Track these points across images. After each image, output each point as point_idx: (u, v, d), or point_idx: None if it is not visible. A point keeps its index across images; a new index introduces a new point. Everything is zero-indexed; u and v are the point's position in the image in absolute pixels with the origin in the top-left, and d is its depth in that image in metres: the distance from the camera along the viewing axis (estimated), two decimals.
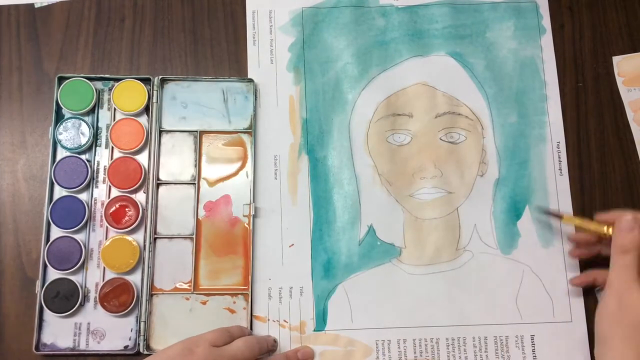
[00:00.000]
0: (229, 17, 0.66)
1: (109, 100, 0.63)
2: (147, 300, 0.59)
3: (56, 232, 0.60)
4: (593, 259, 0.59)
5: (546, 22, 0.67)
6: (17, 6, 0.65)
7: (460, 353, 0.60)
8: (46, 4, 0.66)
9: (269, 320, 0.60)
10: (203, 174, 0.62)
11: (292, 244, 0.61)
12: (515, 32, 0.66)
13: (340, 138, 0.64)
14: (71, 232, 0.60)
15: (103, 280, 0.60)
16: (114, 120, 0.63)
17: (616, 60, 0.66)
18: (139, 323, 0.59)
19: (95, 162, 0.62)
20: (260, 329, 0.60)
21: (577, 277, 0.60)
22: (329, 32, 0.66)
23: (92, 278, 0.60)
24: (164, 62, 0.65)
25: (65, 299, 0.59)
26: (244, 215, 0.61)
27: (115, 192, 0.61)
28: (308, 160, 0.63)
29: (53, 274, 0.59)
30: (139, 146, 0.62)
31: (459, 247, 0.62)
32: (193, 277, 0.60)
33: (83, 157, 0.61)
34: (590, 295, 0.60)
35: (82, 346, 0.59)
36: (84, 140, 0.61)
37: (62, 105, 0.62)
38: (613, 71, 0.66)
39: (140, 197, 0.61)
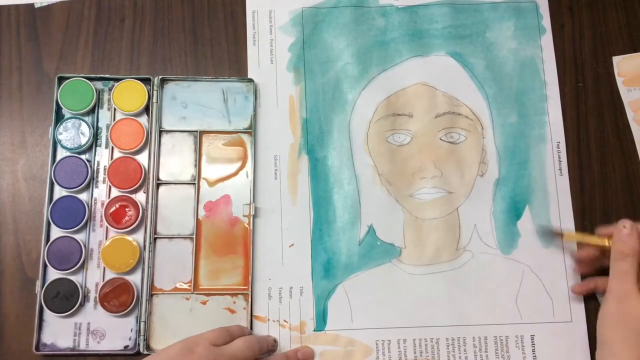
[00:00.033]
0: (229, 17, 0.66)
1: (109, 100, 0.63)
2: (147, 300, 0.59)
3: (56, 232, 0.60)
4: (597, 272, 0.59)
5: (546, 22, 0.67)
6: (17, 6, 0.66)
7: (460, 353, 0.60)
8: (46, 4, 0.66)
9: (269, 320, 0.60)
10: (203, 174, 0.62)
11: (292, 244, 0.61)
12: (515, 32, 0.66)
13: (340, 138, 0.64)
14: (71, 232, 0.60)
15: (103, 280, 0.60)
16: (114, 120, 0.63)
17: (616, 60, 0.66)
18: (139, 323, 0.59)
19: (95, 162, 0.62)
20: (260, 329, 0.60)
21: (578, 285, 0.60)
22: (329, 32, 0.66)
23: (92, 278, 0.60)
24: (164, 62, 0.65)
25: (65, 299, 0.59)
26: (244, 215, 0.61)
27: (115, 192, 0.61)
28: (308, 160, 0.63)
29: (53, 274, 0.59)
30: (139, 146, 0.62)
31: (459, 247, 0.62)
32: (193, 277, 0.60)
33: (83, 157, 0.61)
34: (590, 295, 0.60)
35: (82, 346, 0.59)
36: (84, 140, 0.61)
37: (62, 105, 0.62)
38: (613, 71, 0.66)
39: (140, 197, 0.61)
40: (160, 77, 0.63)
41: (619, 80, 0.66)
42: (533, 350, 0.60)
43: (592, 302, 0.60)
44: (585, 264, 0.60)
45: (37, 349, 0.58)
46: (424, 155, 0.63)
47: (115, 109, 0.63)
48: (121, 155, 0.62)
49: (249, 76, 0.64)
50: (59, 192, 0.61)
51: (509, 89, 0.65)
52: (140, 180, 0.61)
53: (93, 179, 0.61)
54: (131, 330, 0.59)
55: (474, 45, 0.66)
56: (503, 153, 0.64)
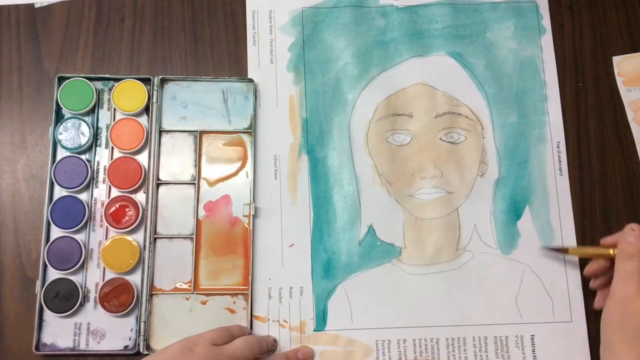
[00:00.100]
0: (229, 17, 0.66)
1: (109, 100, 0.63)
2: (147, 300, 0.59)
3: (56, 232, 0.60)
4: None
5: (546, 22, 0.67)
6: (17, 6, 0.66)
7: (460, 353, 0.60)
8: (46, 4, 0.66)
9: (269, 320, 0.60)
10: (203, 174, 0.62)
11: (292, 244, 0.61)
12: (515, 32, 0.66)
13: (340, 138, 0.64)
14: (71, 232, 0.60)
15: (103, 280, 0.60)
16: (114, 120, 0.63)
17: (616, 60, 0.66)
18: (139, 323, 0.59)
19: (95, 162, 0.62)
20: (260, 329, 0.60)
21: (597, 302, 0.58)
22: (329, 32, 0.66)
23: (92, 278, 0.60)
24: (164, 62, 0.65)
25: (65, 299, 0.59)
26: (244, 215, 0.61)
27: (115, 192, 0.61)
28: (308, 160, 0.63)
29: (53, 274, 0.59)
30: (139, 146, 0.62)
31: (459, 247, 0.62)
32: (193, 277, 0.60)
33: (83, 157, 0.61)
34: (590, 295, 0.60)
35: (82, 346, 0.59)
36: (84, 140, 0.61)
37: (62, 105, 0.62)
38: (613, 71, 0.66)
39: (140, 197, 0.61)
40: (160, 77, 0.63)
41: (619, 80, 0.66)
42: (533, 350, 0.60)
43: (592, 302, 0.60)
44: (596, 277, 0.59)
45: (37, 349, 0.58)
46: (424, 155, 0.63)
47: (115, 109, 0.63)
48: (121, 155, 0.62)
49: (249, 76, 0.64)
50: (59, 192, 0.61)
51: (509, 89, 0.65)
52: (140, 180, 0.61)
53: (93, 179, 0.61)
54: (131, 330, 0.59)
55: (474, 45, 0.66)
56: (503, 153, 0.64)
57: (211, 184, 0.62)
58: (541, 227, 0.62)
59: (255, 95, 0.64)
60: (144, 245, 0.60)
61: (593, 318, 0.60)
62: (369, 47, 0.66)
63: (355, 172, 0.63)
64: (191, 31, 0.66)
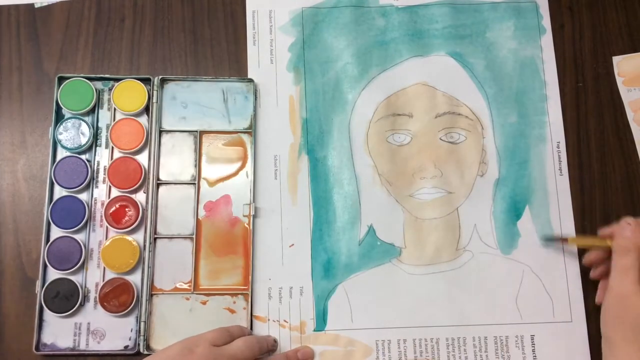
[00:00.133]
0: (229, 17, 0.66)
1: (109, 100, 0.63)
2: (147, 300, 0.59)
3: (56, 232, 0.60)
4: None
5: (546, 22, 0.67)
6: (17, 6, 0.66)
7: (460, 353, 0.60)
8: (46, 4, 0.66)
9: (269, 320, 0.60)
10: (203, 174, 0.62)
11: (292, 244, 0.61)
12: (515, 32, 0.66)
13: (340, 138, 0.64)
14: (71, 232, 0.60)
15: (103, 280, 0.60)
16: (114, 120, 0.63)
17: (616, 60, 0.66)
18: (139, 323, 0.59)
19: (95, 162, 0.62)
20: (260, 329, 0.60)
21: (598, 297, 0.59)
22: (329, 32, 0.66)
23: (92, 278, 0.60)
24: (164, 62, 0.65)
25: (65, 299, 0.59)
26: (244, 215, 0.61)
27: (115, 192, 0.61)
28: (308, 160, 0.63)
29: (53, 274, 0.59)
30: (139, 146, 0.62)
31: (459, 247, 0.62)
32: (193, 277, 0.60)
33: (83, 157, 0.61)
34: (591, 295, 0.60)
35: (82, 346, 0.59)
36: (84, 140, 0.61)
37: (62, 105, 0.62)
38: (613, 71, 0.66)
39: (140, 197, 0.61)
40: (160, 77, 0.63)
41: (619, 80, 0.66)
42: (533, 350, 0.60)
43: (592, 302, 0.60)
44: (595, 267, 0.59)
45: (37, 349, 0.58)
46: (424, 155, 0.63)
47: (115, 109, 0.63)
48: (121, 155, 0.62)
49: (249, 76, 0.64)
50: (59, 192, 0.61)
51: (509, 89, 0.65)
52: (140, 180, 0.61)
53: (93, 179, 0.61)
54: (131, 330, 0.59)
55: (474, 45, 0.66)
56: (503, 153, 0.64)
57: (211, 184, 0.62)
58: (541, 227, 0.62)
59: (255, 95, 0.64)
60: (144, 245, 0.60)
61: (593, 318, 0.60)
62: (369, 47, 0.66)
63: (355, 172, 0.63)
64: (191, 31, 0.66)
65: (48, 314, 0.59)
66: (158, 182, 0.62)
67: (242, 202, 0.62)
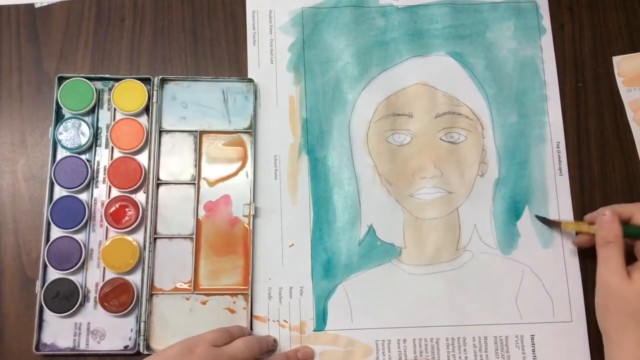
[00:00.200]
0: (229, 17, 0.66)
1: (109, 100, 0.63)
2: (147, 300, 0.59)
3: (56, 232, 0.60)
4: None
5: (546, 22, 0.67)
6: (17, 6, 0.66)
7: (460, 353, 0.60)
8: (46, 4, 0.66)
9: (269, 320, 0.60)
10: (203, 174, 0.62)
11: (292, 244, 0.61)
12: (515, 32, 0.66)
13: (340, 138, 0.64)
14: (71, 232, 0.60)
15: (103, 280, 0.60)
16: (114, 120, 0.63)
17: (616, 60, 0.66)
18: (139, 323, 0.59)
19: (95, 162, 0.62)
20: (260, 329, 0.60)
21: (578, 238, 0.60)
22: (329, 32, 0.66)
23: (92, 278, 0.60)
24: (164, 62, 0.65)
25: (65, 299, 0.59)
26: (244, 215, 0.61)
27: (115, 192, 0.61)
28: (308, 160, 0.63)
29: (53, 274, 0.59)
30: (139, 146, 0.62)
31: (459, 247, 0.62)
32: (193, 277, 0.60)
33: (83, 157, 0.61)
34: (591, 295, 0.60)
35: (82, 346, 0.59)
36: (84, 140, 0.61)
37: (62, 105, 0.62)
38: (613, 71, 0.66)
39: (140, 197, 0.61)
40: (160, 77, 0.63)
41: (619, 80, 0.66)
42: (533, 350, 0.60)
43: (592, 302, 0.60)
44: (585, 248, 0.60)
45: (37, 349, 0.58)
46: (424, 155, 0.63)
47: (115, 109, 0.63)
48: (121, 155, 0.62)
49: (249, 76, 0.64)
50: (59, 192, 0.61)
51: (509, 89, 0.65)
52: (140, 180, 0.61)
53: (93, 179, 0.61)
54: (131, 330, 0.59)
55: (474, 45, 0.66)
56: (503, 153, 0.64)
57: (211, 184, 0.62)
58: (541, 227, 0.62)
59: (255, 95, 0.64)
60: (144, 245, 0.60)
61: (593, 318, 0.59)
62: (369, 47, 0.66)
63: (355, 172, 0.63)
64: (191, 31, 0.66)
65: (48, 314, 0.59)
66: (158, 182, 0.62)
67: (242, 202, 0.62)
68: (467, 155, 0.63)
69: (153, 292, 0.60)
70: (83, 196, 0.61)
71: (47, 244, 0.59)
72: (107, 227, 0.60)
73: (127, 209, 0.61)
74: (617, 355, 0.52)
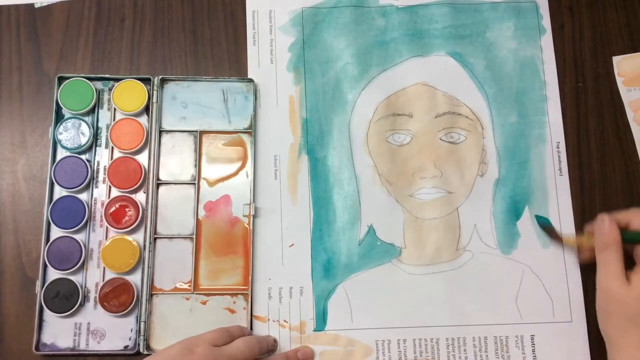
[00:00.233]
0: (229, 17, 0.66)
1: (109, 100, 0.63)
2: (147, 300, 0.59)
3: (56, 232, 0.60)
4: None
5: (546, 22, 0.67)
6: (17, 6, 0.66)
7: (460, 353, 0.60)
8: (46, 4, 0.66)
9: (269, 320, 0.60)
10: (203, 174, 0.62)
11: (292, 244, 0.61)
12: (515, 32, 0.66)
13: (340, 138, 0.64)
14: (71, 232, 0.60)
15: (103, 280, 0.60)
16: (114, 120, 0.63)
17: (616, 60, 0.66)
18: (139, 323, 0.59)
19: (95, 162, 0.62)
20: (260, 329, 0.60)
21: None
22: (329, 32, 0.66)
23: (92, 278, 0.60)
24: (164, 62, 0.65)
25: (65, 299, 0.59)
26: (244, 215, 0.61)
27: (115, 192, 0.61)
28: (308, 160, 0.63)
29: (53, 274, 0.59)
30: (139, 146, 0.62)
31: (459, 247, 0.62)
32: (193, 277, 0.60)
33: (83, 157, 0.61)
34: (591, 295, 0.60)
35: (82, 346, 0.59)
36: (84, 140, 0.61)
37: (62, 105, 0.62)
38: (613, 71, 0.66)
39: (140, 197, 0.61)
40: (160, 77, 0.63)
41: (619, 80, 0.66)
42: (533, 350, 0.60)
43: (592, 302, 0.60)
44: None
45: (37, 349, 0.58)
46: (424, 155, 0.63)
47: (115, 109, 0.63)
48: (121, 155, 0.62)
49: (249, 76, 0.64)
50: (59, 192, 0.61)
51: (509, 89, 0.65)
52: (140, 180, 0.61)
53: (93, 179, 0.61)
54: (131, 330, 0.59)
55: (474, 45, 0.66)
56: (503, 153, 0.64)
57: (211, 184, 0.62)
58: (543, 226, 0.62)
59: (255, 95, 0.64)
60: (144, 245, 0.60)
61: (593, 318, 0.59)
62: (369, 47, 0.66)
63: (355, 172, 0.63)
64: (191, 31, 0.66)
65: (48, 314, 0.59)
66: (158, 182, 0.62)
67: (242, 202, 0.62)
68: (467, 155, 0.63)
69: (153, 292, 0.60)
70: (83, 196, 0.61)
71: (47, 244, 0.59)
72: (107, 227, 0.60)
73: (127, 209, 0.61)
74: (620, 359, 0.52)
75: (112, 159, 0.62)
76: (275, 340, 0.59)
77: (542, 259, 0.61)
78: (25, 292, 0.60)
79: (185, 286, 0.60)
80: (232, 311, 0.60)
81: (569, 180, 0.63)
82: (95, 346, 0.59)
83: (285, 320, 0.60)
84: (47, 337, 0.59)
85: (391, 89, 0.65)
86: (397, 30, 0.66)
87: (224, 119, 0.63)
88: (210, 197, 0.62)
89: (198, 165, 0.62)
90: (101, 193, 0.61)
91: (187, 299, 0.60)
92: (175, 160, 0.62)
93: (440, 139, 0.64)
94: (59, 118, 0.62)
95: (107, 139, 0.62)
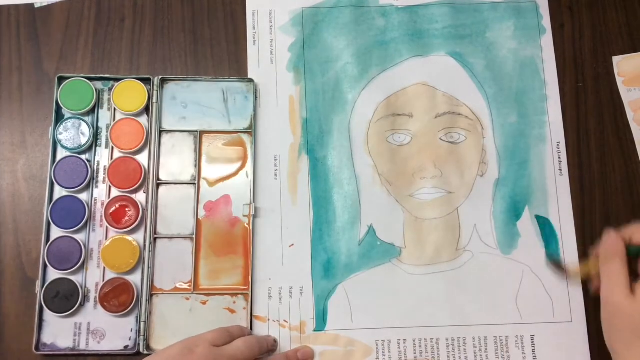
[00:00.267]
0: (229, 17, 0.66)
1: (109, 100, 0.63)
2: (147, 300, 0.59)
3: (56, 232, 0.60)
4: None
5: (546, 22, 0.67)
6: (17, 6, 0.65)
7: (460, 353, 0.60)
8: (46, 4, 0.66)
9: (269, 320, 0.60)
10: (203, 174, 0.62)
11: (292, 244, 0.61)
12: (515, 32, 0.66)
13: (340, 138, 0.64)
14: (71, 232, 0.60)
15: (103, 280, 0.60)
16: (114, 120, 0.63)
17: (616, 60, 0.66)
18: (139, 323, 0.59)
19: (95, 162, 0.62)
20: (260, 329, 0.60)
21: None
22: (329, 32, 0.66)
23: (92, 278, 0.60)
24: (164, 62, 0.65)
25: (65, 299, 0.59)
26: (244, 215, 0.61)
27: (115, 192, 0.61)
28: (308, 160, 0.63)
29: (53, 274, 0.59)
30: (139, 146, 0.62)
31: (459, 247, 0.62)
32: (193, 277, 0.60)
33: (83, 157, 0.61)
34: (591, 295, 0.60)
35: (82, 346, 0.59)
36: (84, 140, 0.61)
37: (62, 105, 0.62)
38: (613, 71, 0.66)
39: (140, 197, 0.61)
40: (160, 77, 0.63)
41: (619, 80, 0.66)
42: (533, 350, 0.60)
43: (592, 302, 0.60)
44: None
45: (37, 349, 0.58)
46: (424, 155, 0.63)
47: (115, 109, 0.63)
48: (121, 155, 0.62)
49: (249, 76, 0.64)
50: (59, 192, 0.61)
51: (509, 89, 0.65)
52: (140, 180, 0.61)
53: (93, 179, 0.61)
54: (131, 330, 0.59)
55: (474, 45, 0.66)
56: (503, 153, 0.64)
57: (211, 184, 0.62)
58: (541, 227, 0.62)
59: (255, 95, 0.64)
60: (144, 245, 0.60)
61: (593, 318, 0.60)
62: (369, 47, 0.66)
63: (355, 172, 0.63)
64: (191, 31, 0.66)
65: (48, 314, 0.59)
66: (158, 182, 0.62)
67: (242, 202, 0.62)
68: (467, 155, 0.63)
69: (153, 292, 0.60)
70: (83, 196, 0.61)
71: (47, 244, 0.59)
72: (107, 227, 0.60)
73: (127, 209, 0.61)
74: None
75: (112, 159, 0.62)
76: (275, 340, 0.59)
77: (542, 259, 0.61)
78: (25, 292, 0.60)
79: (185, 286, 0.60)
80: (232, 311, 0.60)
81: (569, 180, 0.63)
82: (95, 346, 0.59)
83: (285, 320, 0.60)
84: (47, 337, 0.59)
85: (391, 89, 0.65)
86: (397, 30, 0.66)
87: (224, 119, 0.63)
88: (210, 197, 0.62)
89: (198, 165, 0.62)
90: (101, 193, 0.61)
91: (187, 299, 0.60)
92: (175, 160, 0.62)
93: (440, 139, 0.64)
94: (59, 118, 0.62)
95: (107, 139, 0.62)
